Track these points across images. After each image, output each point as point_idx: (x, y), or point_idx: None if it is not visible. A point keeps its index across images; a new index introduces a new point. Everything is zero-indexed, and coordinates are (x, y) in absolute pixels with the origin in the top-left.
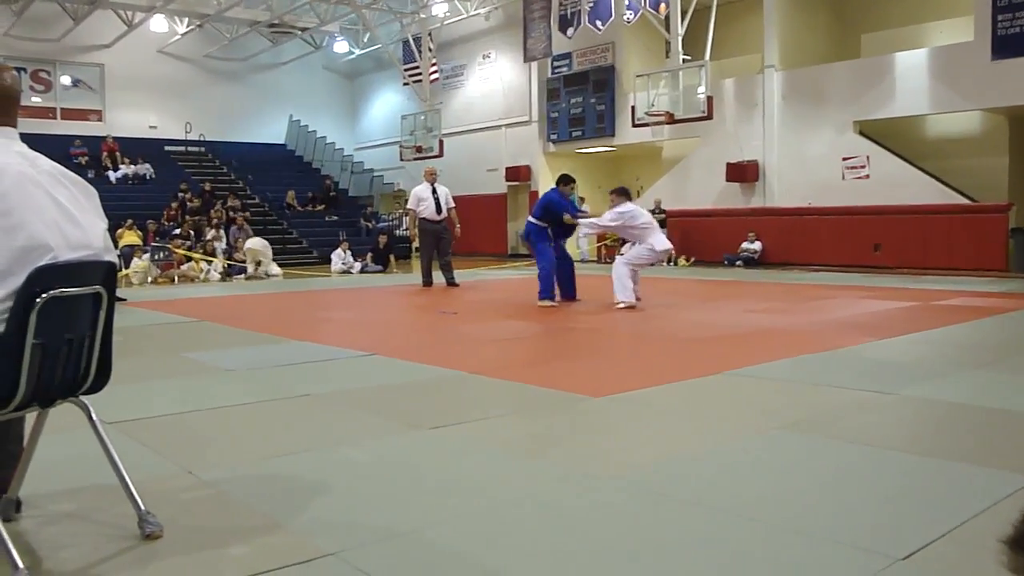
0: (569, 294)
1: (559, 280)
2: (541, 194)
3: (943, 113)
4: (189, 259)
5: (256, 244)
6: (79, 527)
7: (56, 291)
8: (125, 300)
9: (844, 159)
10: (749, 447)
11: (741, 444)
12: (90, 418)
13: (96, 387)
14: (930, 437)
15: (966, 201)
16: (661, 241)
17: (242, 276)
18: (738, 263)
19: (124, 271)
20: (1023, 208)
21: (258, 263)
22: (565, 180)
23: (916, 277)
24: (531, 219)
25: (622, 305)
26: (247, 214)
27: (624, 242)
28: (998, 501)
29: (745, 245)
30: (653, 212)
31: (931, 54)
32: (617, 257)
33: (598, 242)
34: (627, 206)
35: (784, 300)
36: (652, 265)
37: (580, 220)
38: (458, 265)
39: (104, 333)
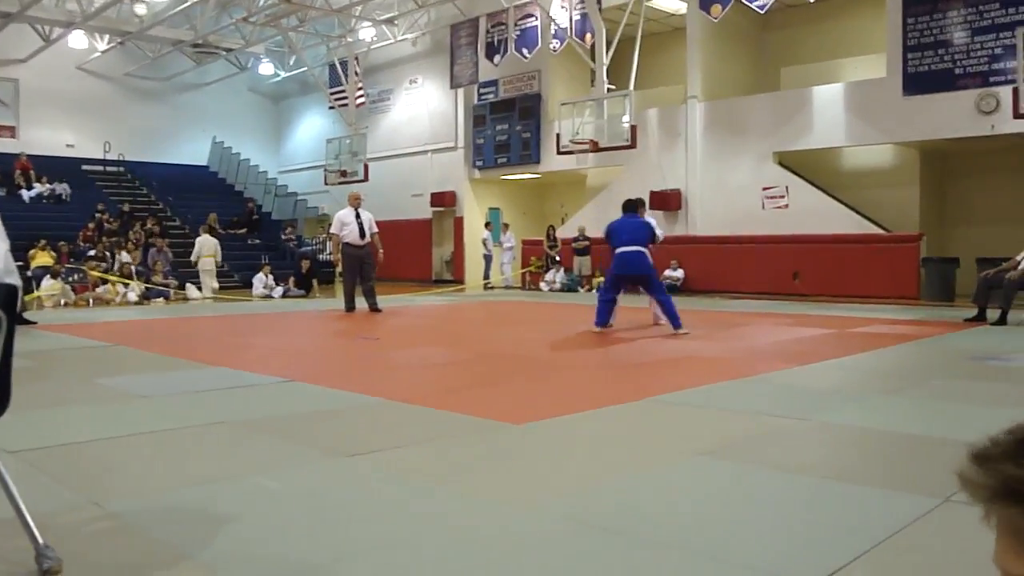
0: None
1: (603, 309)
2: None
3: (858, 146)
4: (105, 281)
5: (208, 242)
6: None
7: None
8: (35, 323)
9: (764, 189)
10: (667, 474)
11: (659, 471)
12: None
13: None
14: (843, 462)
15: (880, 231)
16: None
17: (160, 299)
18: None
19: (35, 293)
20: (933, 238)
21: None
22: (642, 203)
23: (833, 304)
24: (641, 248)
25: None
26: (166, 241)
27: (548, 268)
28: (908, 524)
29: (668, 272)
30: (576, 239)
31: (847, 89)
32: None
33: (523, 268)
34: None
35: (705, 327)
36: None
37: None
38: (382, 290)
39: (3, 358)
